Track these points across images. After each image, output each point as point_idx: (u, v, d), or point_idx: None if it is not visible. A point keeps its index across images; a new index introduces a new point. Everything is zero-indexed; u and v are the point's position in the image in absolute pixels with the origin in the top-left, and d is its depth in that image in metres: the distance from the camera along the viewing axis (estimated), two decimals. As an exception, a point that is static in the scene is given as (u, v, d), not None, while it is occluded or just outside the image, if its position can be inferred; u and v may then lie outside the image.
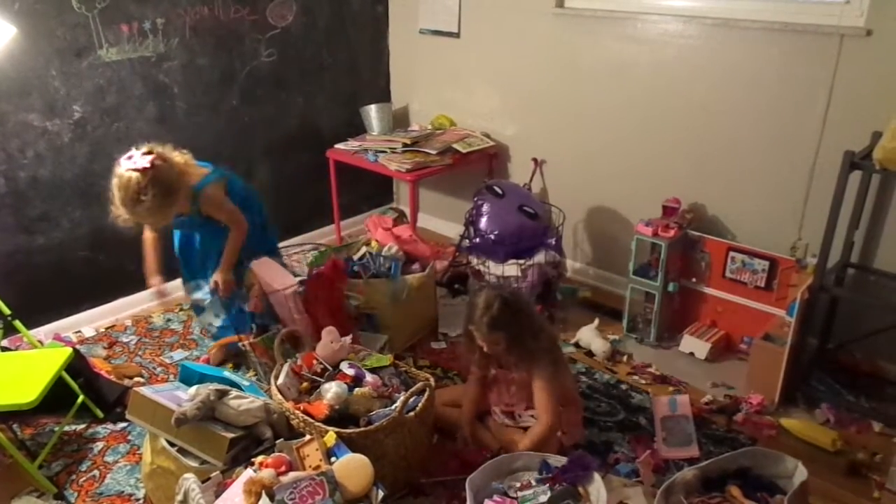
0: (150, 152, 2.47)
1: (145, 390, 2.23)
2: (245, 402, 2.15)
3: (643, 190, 3.36)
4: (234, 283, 2.89)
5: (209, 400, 2.10)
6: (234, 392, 2.19)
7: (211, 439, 2.06)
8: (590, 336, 3.14)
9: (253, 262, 3.08)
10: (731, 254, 3.01)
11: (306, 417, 2.16)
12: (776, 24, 2.80)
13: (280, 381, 2.32)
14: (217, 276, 2.84)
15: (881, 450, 2.48)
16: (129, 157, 2.45)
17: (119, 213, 2.48)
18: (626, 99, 3.34)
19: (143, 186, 2.41)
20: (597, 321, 3.22)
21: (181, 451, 2.11)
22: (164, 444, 2.13)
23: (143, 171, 2.40)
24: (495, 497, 2.09)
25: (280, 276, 2.90)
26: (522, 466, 2.20)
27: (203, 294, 2.99)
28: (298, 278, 3.01)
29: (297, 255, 4.04)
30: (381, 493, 1.91)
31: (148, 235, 2.87)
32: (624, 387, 2.88)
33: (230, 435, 2.05)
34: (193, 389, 2.19)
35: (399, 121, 4.28)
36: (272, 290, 2.83)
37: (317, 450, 2.00)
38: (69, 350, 2.53)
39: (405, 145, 3.82)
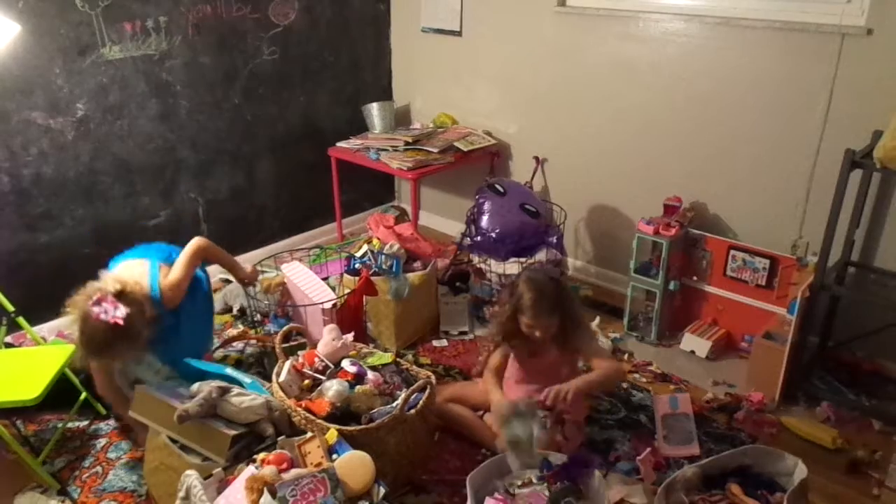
0: (121, 293, 2.16)
1: (147, 387, 2.25)
2: (247, 399, 2.15)
3: (644, 188, 3.36)
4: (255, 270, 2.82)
5: (211, 397, 2.11)
6: (236, 389, 2.19)
7: (213, 436, 2.07)
8: (591, 334, 3.15)
9: (284, 266, 3.07)
10: (732, 252, 3.02)
11: (308, 415, 2.16)
12: (777, 23, 2.80)
13: (282, 378, 2.32)
14: (241, 275, 2.76)
15: (881, 448, 2.49)
16: (99, 303, 2.12)
17: (81, 354, 2.22)
18: (627, 97, 3.34)
19: (112, 340, 2.14)
20: (598, 319, 3.23)
21: (183, 447, 2.12)
22: (167, 440, 2.14)
23: (113, 325, 2.11)
24: (496, 495, 2.09)
25: (315, 287, 2.90)
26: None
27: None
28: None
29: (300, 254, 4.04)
30: (382, 491, 1.91)
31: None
32: (625, 385, 2.88)
33: (232, 432, 2.06)
34: (195, 386, 2.20)
35: (401, 119, 4.28)
36: (307, 304, 2.81)
37: (318, 447, 2.01)
38: (72, 347, 2.54)
39: (407, 143, 3.82)
